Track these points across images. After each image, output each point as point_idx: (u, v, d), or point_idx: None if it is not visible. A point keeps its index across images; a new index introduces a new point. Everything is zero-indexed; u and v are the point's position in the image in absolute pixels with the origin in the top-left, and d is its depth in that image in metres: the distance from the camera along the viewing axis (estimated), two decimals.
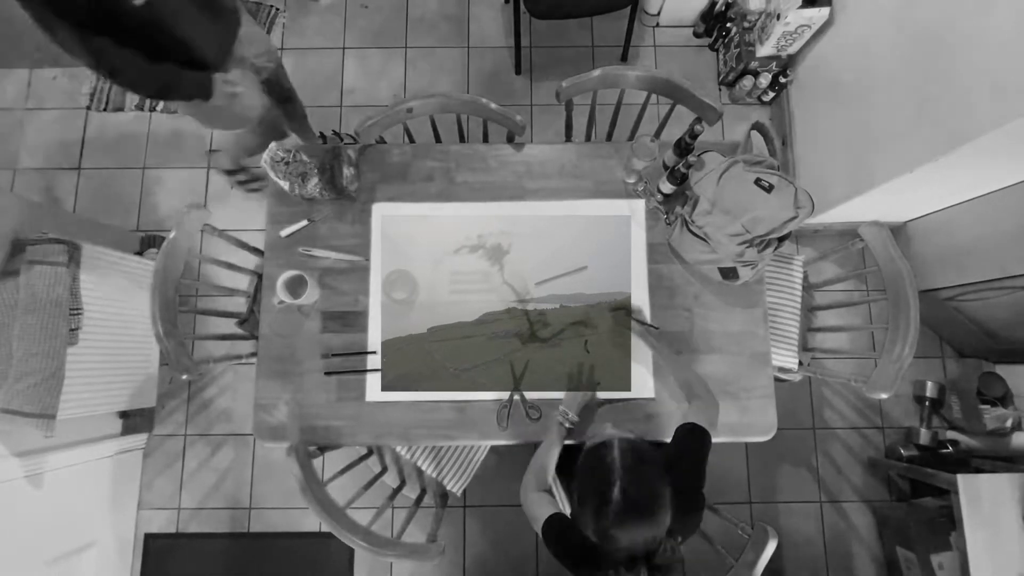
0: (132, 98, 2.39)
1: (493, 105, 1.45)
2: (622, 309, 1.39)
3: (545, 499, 1.16)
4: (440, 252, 1.44)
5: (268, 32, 2.45)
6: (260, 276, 1.57)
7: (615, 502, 0.86)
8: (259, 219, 1.49)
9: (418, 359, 1.39)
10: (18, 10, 1.08)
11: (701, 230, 1.27)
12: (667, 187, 1.37)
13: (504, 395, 1.37)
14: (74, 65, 2.36)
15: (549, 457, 1.24)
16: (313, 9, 2.49)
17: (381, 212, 1.46)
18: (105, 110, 2.38)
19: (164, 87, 1.24)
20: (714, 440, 1.34)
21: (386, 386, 1.37)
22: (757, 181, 1.22)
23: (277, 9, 2.47)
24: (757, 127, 1.47)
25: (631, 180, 1.45)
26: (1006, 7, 1.27)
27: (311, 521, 2.08)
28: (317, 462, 1.32)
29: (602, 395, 1.37)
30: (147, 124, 2.39)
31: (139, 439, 2.11)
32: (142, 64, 1.18)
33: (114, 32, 1.11)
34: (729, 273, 1.34)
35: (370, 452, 1.57)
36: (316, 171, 1.38)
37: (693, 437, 1.10)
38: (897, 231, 2.12)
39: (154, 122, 2.39)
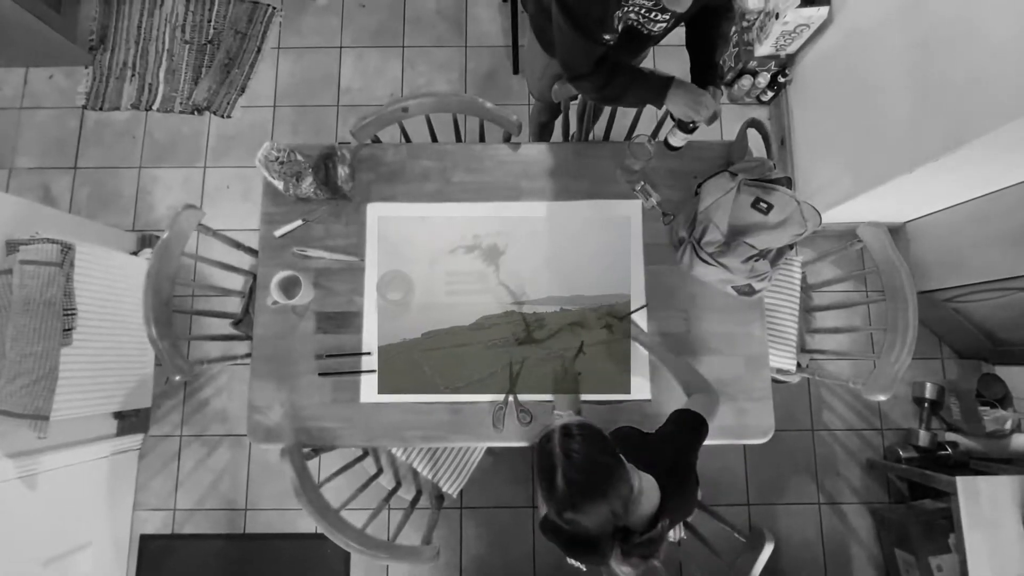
0: (128, 97, 2.38)
1: (489, 105, 1.44)
2: (613, 318, 1.38)
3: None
4: (435, 252, 1.43)
5: (264, 32, 2.45)
6: (255, 276, 1.56)
7: (560, 489, 0.87)
8: (254, 219, 1.48)
9: (408, 373, 1.37)
10: (14, 8, 1.06)
11: (712, 257, 1.26)
12: (678, 139, 1.32)
13: (499, 397, 1.36)
14: (71, 63, 2.38)
15: None
16: (310, 8, 2.48)
17: (376, 212, 1.45)
18: (101, 109, 2.37)
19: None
20: (712, 442, 1.33)
21: (381, 390, 1.37)
22: (755, 203, 1.22)
23: (274, 8, 2.46)
24: (753, 124, 1.45)
25: (628, 180, 1.44)
26: (1005, 9, 1.26)
27: (307, 522, 2.07)
28: (313, 464, 1.31)
29: (600, 398, 1.36)
30: (143, 123, 2.38)
31: (134, 440, 2.10)
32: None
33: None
34: (745, 289, 1.33)
35: (365, 454, 1.56)
36: (311, 170, 1.37)
37: (685, 419, 1.11)
38: (896, 232, 2.11)
39: (150, 121, 2.38)
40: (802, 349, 1.65)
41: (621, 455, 0.93)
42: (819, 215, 1.23)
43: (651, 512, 0.95)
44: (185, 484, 2.12)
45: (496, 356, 1.38)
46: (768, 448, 1.42)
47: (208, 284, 1.62)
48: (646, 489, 0.95)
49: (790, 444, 2.13)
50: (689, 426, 1.10)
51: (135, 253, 2.14)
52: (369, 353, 1.38)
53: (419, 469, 1.53)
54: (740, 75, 2.26)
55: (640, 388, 1.37)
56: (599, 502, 0.86)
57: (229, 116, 2.38)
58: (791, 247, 1.32)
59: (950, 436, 2.06)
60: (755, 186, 1.26)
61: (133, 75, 2.40)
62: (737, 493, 2.10)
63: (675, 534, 1.44)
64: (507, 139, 1.52)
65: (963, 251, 1.85)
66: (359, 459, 1.54)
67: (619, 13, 1.09)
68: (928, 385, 2.08)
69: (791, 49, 2.10)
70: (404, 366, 1.38)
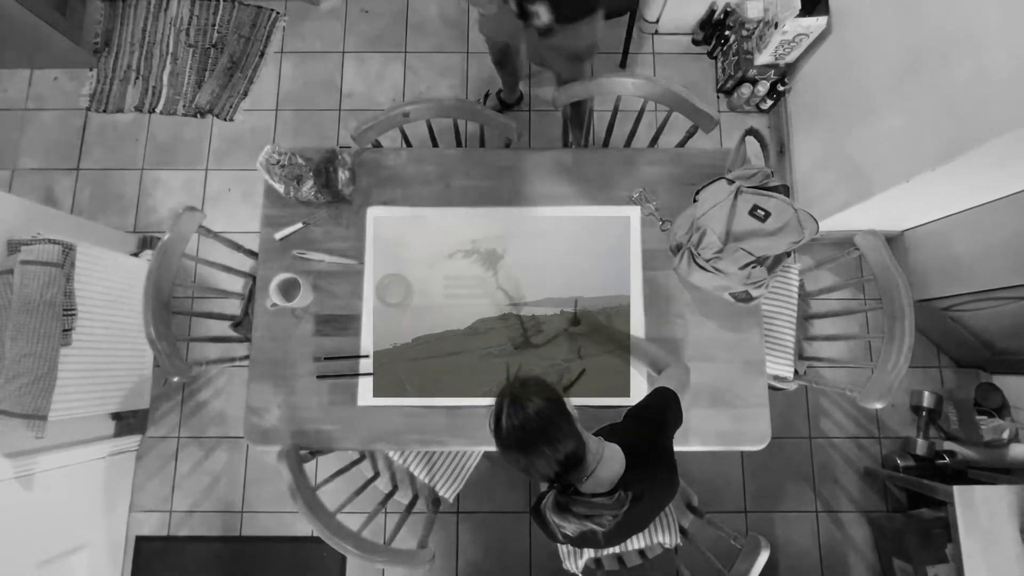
0: (132, 100, 2.39)
1: (490, 111, 1.45)
2: (572, 324, 1.39)
3: None
4: (434, 256, 1.44)
5: (268, 36, 2.46)
6: (255, 279, 1.56)
7: (503, 429, 0.92)
8: (254, 222, 1.49)
9: (393, 386, 1.37)
10: (19, 11, 1.07)
11: (709, 263, 1.27)
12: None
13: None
14: (75, 66, 2.40)
15: None
16: (313, 13, 2.50)
17: (376, 215, 1.46)
18: (105, 111, 2.39)
19: None
20: (708, 448, 1.34)
21: (376, 393, 1.37)
22: (752, 211, 1.22)
23: (278, 13, 2.48)
24: (751, 132, 1.46)
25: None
26: (1001, 20, 1.28)
27: (304, 525, 2.07)
28: (310, 466, 1.31)
29: (599, 402, 1.36)
30: (146, 125, 2.39)
31: (132, 441, 2.10)
32: None
33: None
34: (742, 295, 1.34)
35: (362, 457, 1.56)
36: (311, 174, 1.38)
37: (654, 397, 1.13)
38: (894, 240, 2.11)
39: (153, 123, 2.39)
40: (799, 356, 1.65)
41: (573, 416, 0.95)
42: (816, 223, 1.23)
43: (611, 481, 0.96)
44: (182, 486, 2.11)
45: (489, 367, 1.38)
46: (765, 455, 1.42)
47: (208, 286, 1.63)
48: (607, 458, 0.97)
49: (787, 451, 2.13)
50: (659, 403, 1.11)
51: (136, 254, 2.15)
52: (367, 356, 1.38)
53: (416, 473, 1.53)
54: (740, 84, 2.28)
55: (639, 392, 1.37)
56: (535, 447, 0.90)
57: (231, 119, 2.39)
58: (789, 254, 1.32)
59: (948, 445, 2.05)
60: (753, 193, 1.27)
61: (137, 78, 2.42)
62: (734, 500, 2.10)
63: (671, 540, 1.44)
64: (507, 144, 1.53)
65: (961, 260, 1.85)
66: (356, 462, 1.54)
67: None
68: (926, 394, 2.08)
69: (790, 58, 2.12)
70: (387, 380, 1.37)
